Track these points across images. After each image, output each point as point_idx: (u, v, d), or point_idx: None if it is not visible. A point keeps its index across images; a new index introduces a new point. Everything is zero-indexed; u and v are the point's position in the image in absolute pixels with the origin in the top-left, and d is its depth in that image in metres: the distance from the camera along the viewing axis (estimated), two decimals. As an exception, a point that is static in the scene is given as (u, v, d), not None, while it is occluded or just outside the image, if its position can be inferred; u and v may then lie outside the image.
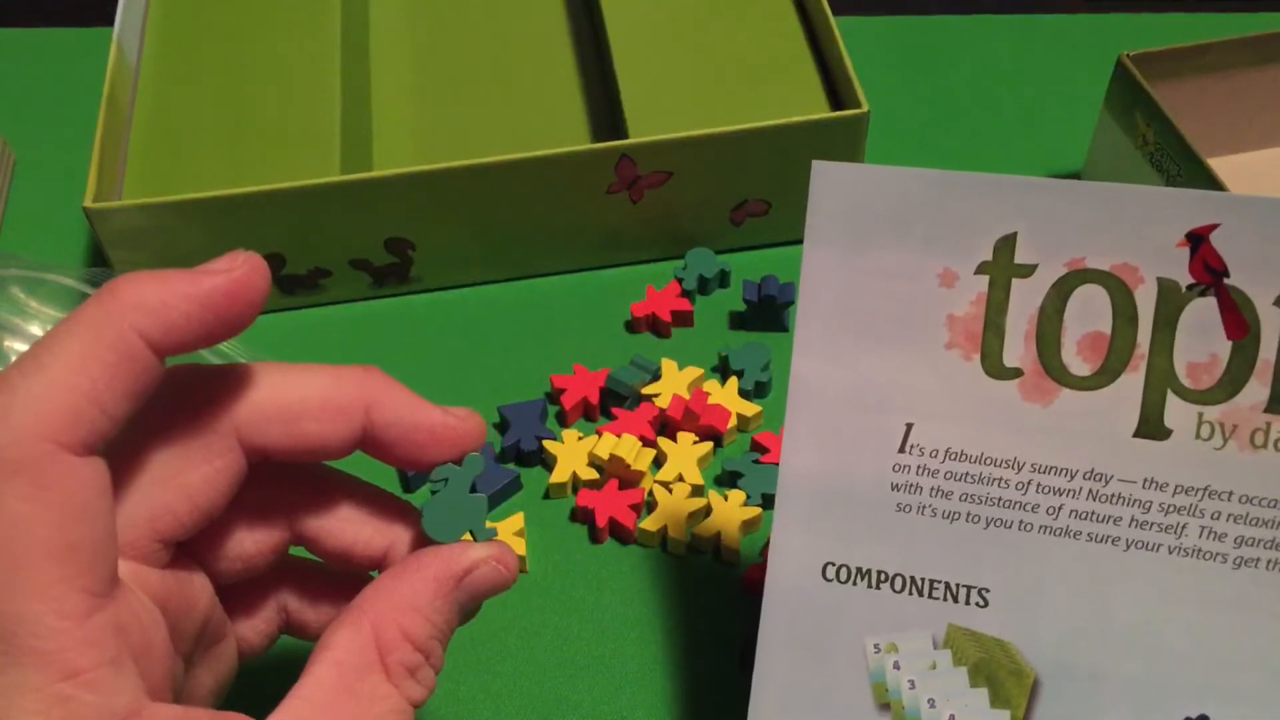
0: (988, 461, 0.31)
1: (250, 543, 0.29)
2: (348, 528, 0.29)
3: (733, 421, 0.47)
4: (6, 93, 0.62)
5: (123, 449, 0.26)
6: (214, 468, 0.26)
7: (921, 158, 0.58)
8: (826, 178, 0.31)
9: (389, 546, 0.29)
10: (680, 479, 0.45)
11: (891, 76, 0.61)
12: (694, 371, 0.48)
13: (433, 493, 0.29)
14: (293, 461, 0.28)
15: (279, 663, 0.35)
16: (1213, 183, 0.45)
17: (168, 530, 0.26)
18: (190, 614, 0.27)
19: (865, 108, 0.49)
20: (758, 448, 0.46)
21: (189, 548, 0.28)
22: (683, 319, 0.51)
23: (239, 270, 0.25)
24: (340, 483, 0.30)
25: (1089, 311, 0.30)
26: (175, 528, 0.26)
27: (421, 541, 0.29)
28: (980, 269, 0.31)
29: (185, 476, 0.26)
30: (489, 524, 0.43)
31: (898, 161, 0.57)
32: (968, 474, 0.31)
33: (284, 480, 0.29)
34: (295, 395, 0.27)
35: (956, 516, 0.31)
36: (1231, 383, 0.30)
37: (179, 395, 0.26)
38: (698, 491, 0.45)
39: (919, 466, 0.31)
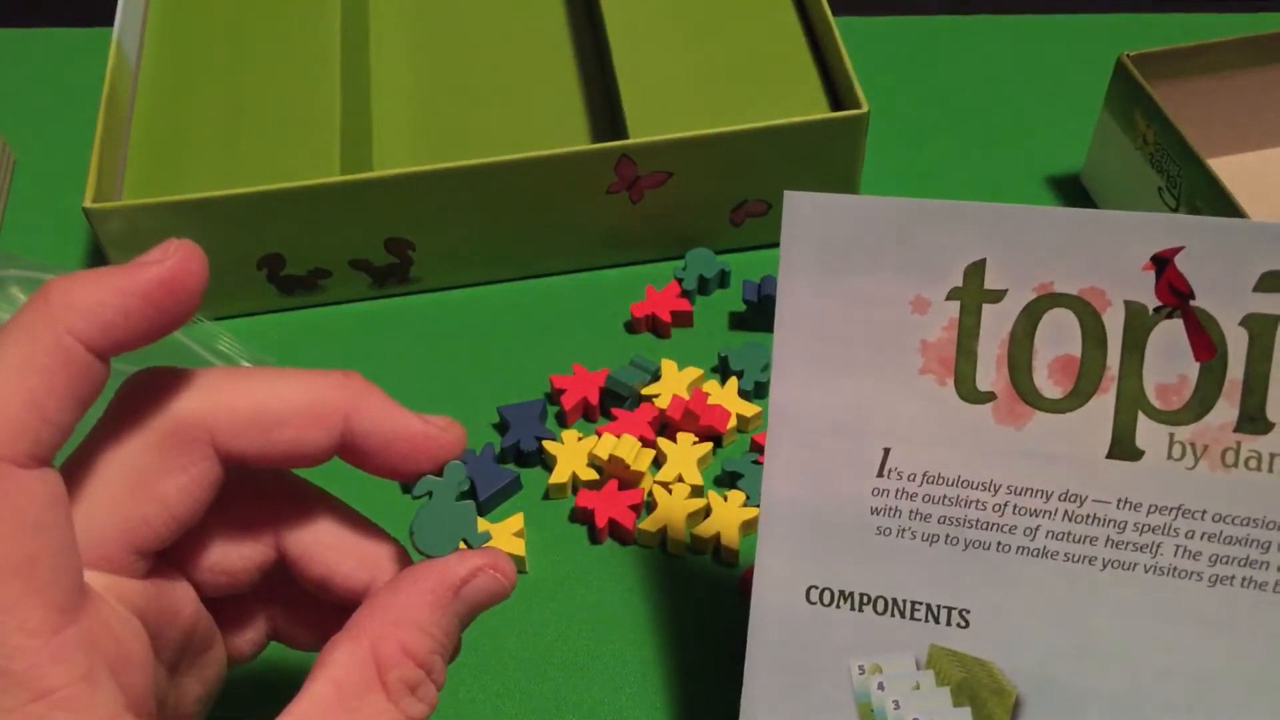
0: (964, 484, 0.31)
1: (235, 557, 0.28)
2: (330, 555, 0.29)
3: (732, 422, 0.47)
4: (6, 93, 0.62)
5: (95, 458, 0.25)
6: (189, 476, 0.26)
7: (921, 158, 0.58)
8: (799, 207, 0.32)
9: (370, 581, 0.29)
10: (680, 479, 0.45)
11: (891, 76, 0.61)
12: (694, 372, 0.48)
13: (419, 508, 0.28)
14: (270, 468, 0.27)
15: (274, 672, 0.35)
16: (1213, 183, 0.45)
17: (143, 541, 0.25)
18: (173, 623, 0.27)
19: (865, 108, 0.49)
20: (757, 448, 0.46)
21: (173, 558, 0.27)
22: (682, 319, 0.51)
23: (172, 259, 0.24)
24: (329, 509, 0.29)
25: (1059, 335, 0.31)
26: (151, 538, 0.25)
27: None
28: (951, 295, 0.31)
29: (160, 486, 0.25)
30: (485, 526, 0.43)
31: (897, 161, 0.57)
32: (945, 497, 0.31)
33: (270, 497, 0.29)
34: (272, 402, 0.26)
35: (935, 539, 0.32)
36: (1201, 403, 0.30)
37: (152, 402, 0.26)
38: (697, 492, 0.45)
39: (897, 490, 0.32)
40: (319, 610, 0.30)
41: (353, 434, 0.27)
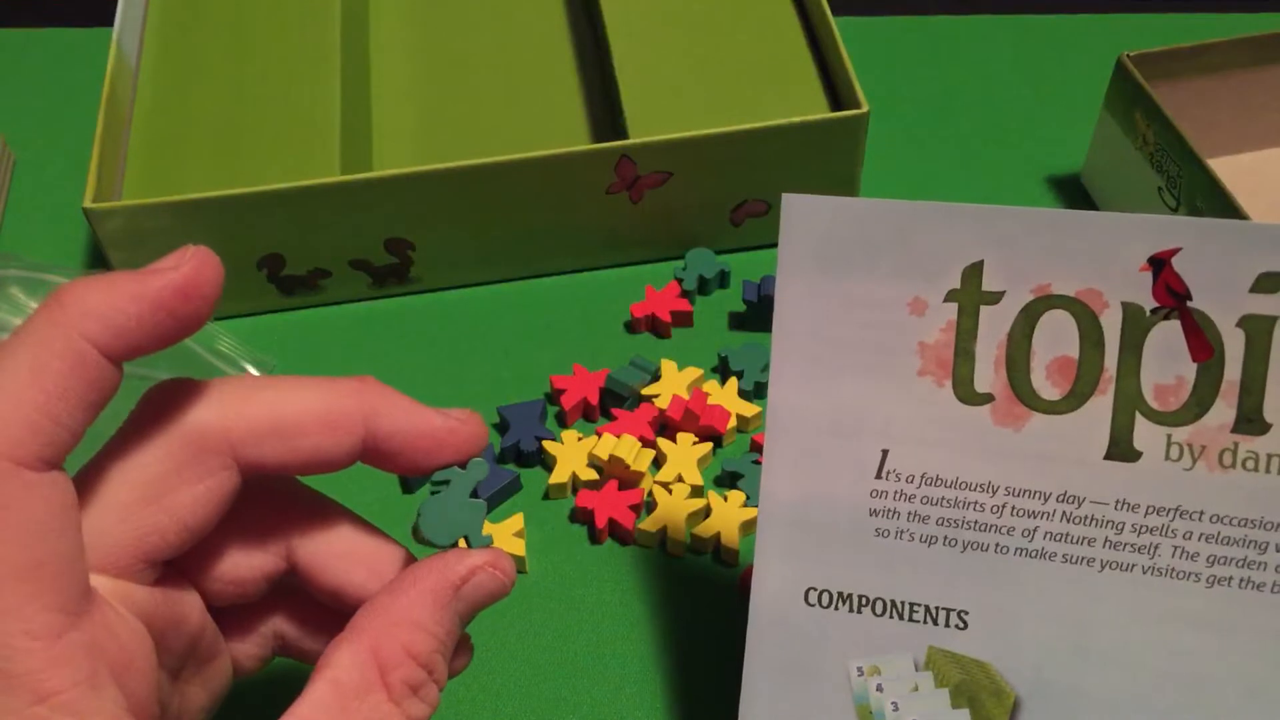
0: (963, 486, 0.31)
1: (244, 566, 0.28)
2: (341, 565, 0.29)
3: (732, 422, 0.47)
4: (6, 93, 0.62)
5: (113, 466, 0.25)
6: (206, 486, 0.26)
7: (921, 158, 0.58)
8: (797, 210, 0.32)
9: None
10: (680, 479, 0.45)
11: (891, 76, 0.61)
12: (694, 372, 0.48)
13: (432, 494, 0.28)
14: (288, 476, 0.28)
15: (278, 680, 0.35)
16: (1213, 183, 0.45)
17: (155, 550, 0.25)
18: (179, 631, 0.27)
19: (865, 108, 0.49)
20: (757, 448, 0.46)
21: (180, 566, 0.27)
22: (682, 319, 0.51)
23: (187, 266, 0.24)
24: (339, 519, 0.29)
25: (1057, 336, 0.31)
26: (163, 547, 0.25)
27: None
28: (949, 297, 0.31)
29: (175, 496, 0.25)
30: (485, 528, 0.43)
31: (897, 161, 0.57)
32: (944, 498, 0.31)
33: (281, 507, 0.29)
34: (292, 410, 0.26)
35: (934, 540, 0.32)
36: (1198, 404, 0.30)
37: (171, 412, 0.26)
38: (697, 492, 0.45)
39: (896, 492, 0.32)
40: (326, 621, 0.30)
41: (375, 437, 0.27)
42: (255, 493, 0.28)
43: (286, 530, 0.29)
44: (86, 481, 0.25)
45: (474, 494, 0.29)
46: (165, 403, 0.26)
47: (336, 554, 0.29)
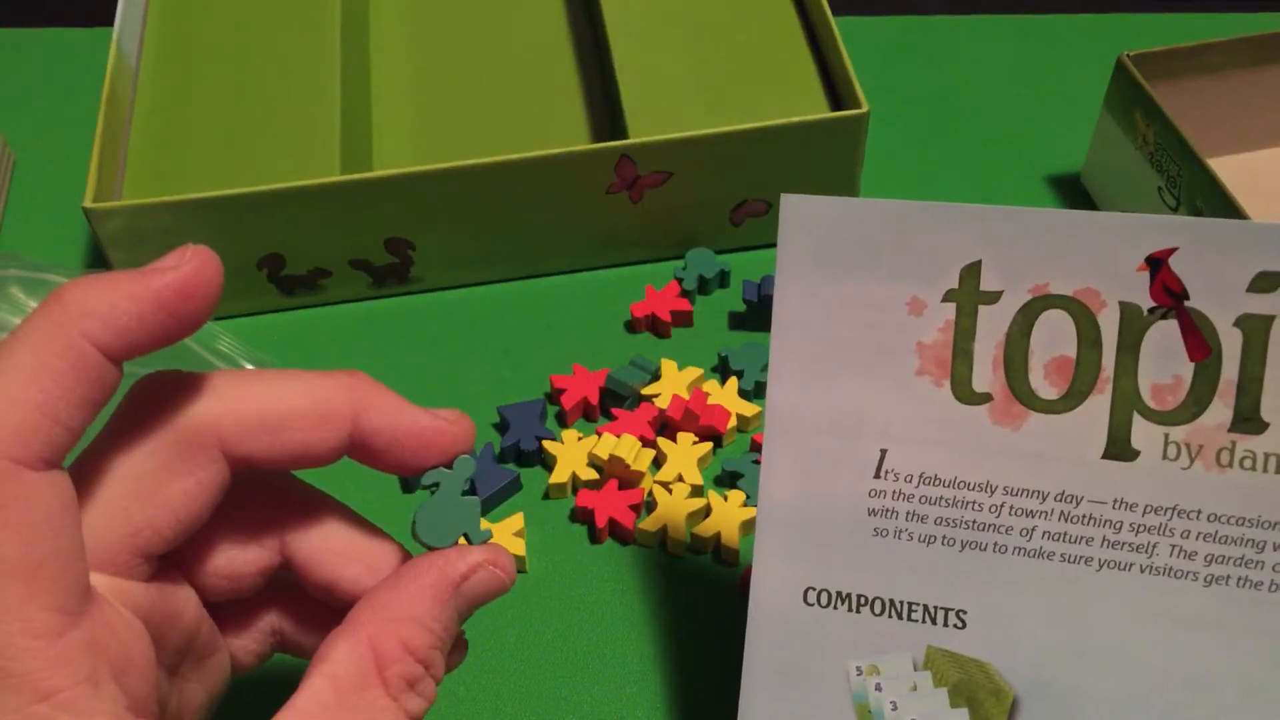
0: (961, 485, 0.31)
1: (239, 561, 0.28)
2: (336, 561, 0.29)
3: (732, 422, 0.47)
4: (6, 93, 0.62)
5: (102, 462, 0.25)
6: (196, 480, 0.26)
7: (921, 158, 0.58)
8: (795, 210, 0.32)
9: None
10: (680, 479, 0.45)
11: (891, 76, 0.61)
12: (694, 372, 0.48)
13: (423, 499, 0.28)
14: (278, 470, 0.27)
15: (277, 676, 0.35)
16: (1213, 183, 0.45)
17: (149, 544, 0.25)
18: (175, 627, 0.27)
19: (865, 108, 0.49)
20: (757, 448, 0.46)
21: (176, 561, 0.27)
22: (682, 319, 0.51)
23: (187, 265, 0.24)
24: (335, 514, 0.29)
25: (1054, 336, 0.31)
26: (156, 542, 0.25)
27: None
28: (947, 297, 0.31)
29: (167, 490, 0.25)
30: (485, 525, 0.43)
31: (897, 162, 0.57)
32: (942, 498, 0.32)
33: (276, 502, 0.29)
34: (280, 404, 0.26)
35: (932, 540, 0.32)
36: (1195, 403, 0.30)
37: (159, 406, 0.26)
38: (697, 492, 0.45)
39: (894, 491, 0.32)
40: (323, 616, 0.30)
41: (361, 433, 0.27)
42: (249, 487, 0.28)
43: (280, 525, 0.29)
44: (77, 477, 0.25)
45: (469, 490, 0.29)
46: (152, 396, 0.26)
47: (331, 549, 0.29)
